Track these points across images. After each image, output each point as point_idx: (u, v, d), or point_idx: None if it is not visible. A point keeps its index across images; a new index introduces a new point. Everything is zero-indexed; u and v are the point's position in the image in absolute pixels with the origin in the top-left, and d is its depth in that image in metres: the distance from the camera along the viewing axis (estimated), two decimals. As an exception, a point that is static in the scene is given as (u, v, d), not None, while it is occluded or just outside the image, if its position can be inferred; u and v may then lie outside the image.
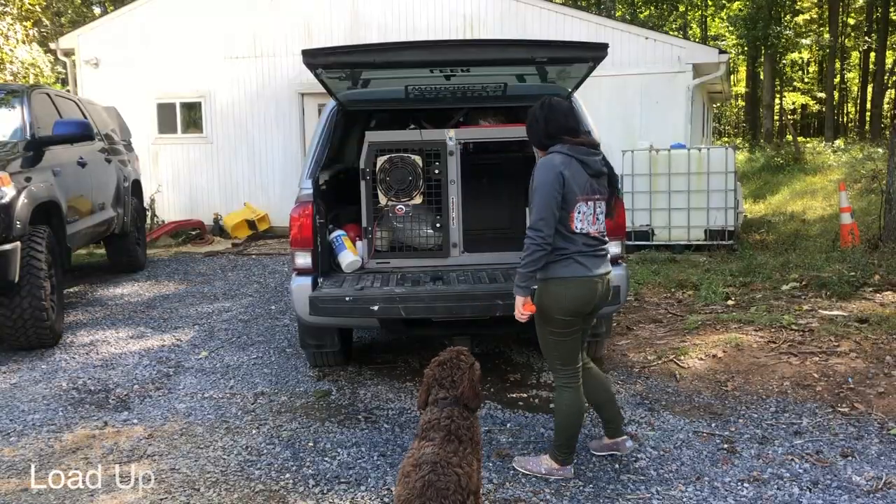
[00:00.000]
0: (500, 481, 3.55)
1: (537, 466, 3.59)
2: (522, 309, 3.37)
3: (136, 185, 9.38)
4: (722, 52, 12.17)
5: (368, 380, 5.03)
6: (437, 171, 4.95)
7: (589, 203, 3.41)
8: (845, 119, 41.75)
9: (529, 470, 3.59)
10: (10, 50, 14.08)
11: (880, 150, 18.01)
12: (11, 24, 14.53)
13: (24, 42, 14.92)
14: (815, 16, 32.04)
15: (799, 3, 29.02)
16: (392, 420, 4.35)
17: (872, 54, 31.97)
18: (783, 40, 26.57)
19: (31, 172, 6.03)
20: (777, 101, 34.43)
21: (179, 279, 8.84)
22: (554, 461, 3.57)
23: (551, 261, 3.35)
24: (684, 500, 3.36)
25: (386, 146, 4.95)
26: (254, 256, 10.56)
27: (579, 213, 3.37)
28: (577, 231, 3.38)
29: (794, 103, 39.80)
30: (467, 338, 4.57)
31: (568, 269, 3.37)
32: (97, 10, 23.63)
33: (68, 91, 13.05)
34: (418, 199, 4.99)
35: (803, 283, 7.11)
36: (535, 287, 3.43)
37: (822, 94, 32.92)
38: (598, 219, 3.47)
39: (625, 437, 3.80)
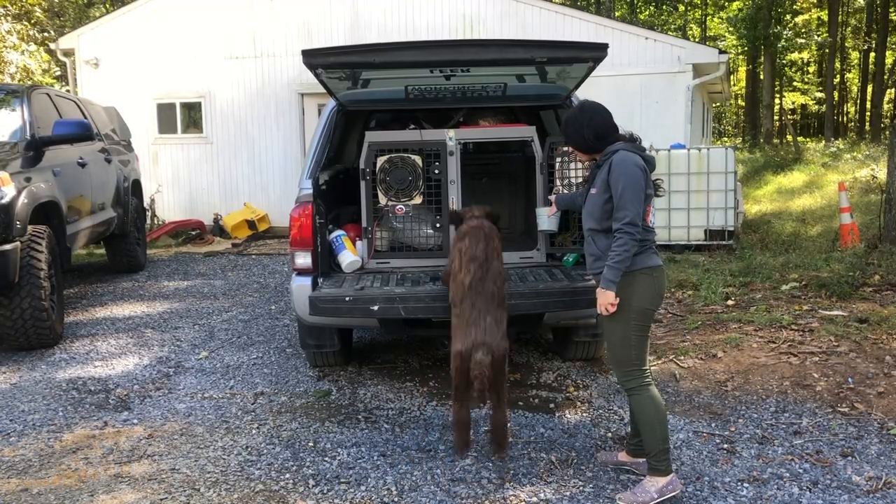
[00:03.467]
0: (500, 482, 3.55)
1: (645, 494, 3.32)
2: (613, 302, 3.30)
3: (136, 185, 9.38)
4: (722, 52, 12.17)
5: (368, 380, 5.04)
6: (436, 172, 4.95)
7: (652, 199, 3.44)
8: (845, 119, 41.77)
9: (642, 502, 3.30)
10: (9, 53, 14.09)
11: (880, 149, 18.03)
12: (10, 31, 14.53)
13: (22, 41, 14.91)
14: (814, 16, 32.05)
15: (798, 4, 29.04)
16: (392, 420, 4.35)
17: (872, 54, 32.00)
18: (783, 41, 26.57)
19: (31, 172, 6.04)
20: (777, 101, 34.45)
21: (179, 279, 8.85)
22: (657, 476, 3.34)
23: (636, 252, 3.32)
24: (684, 500, 3.36)
25: (386, 146, 4.95)
26: (254, 256, 10.56)
27: (653, 207, 3.42)
28: (651, 226, 3.41)
29: (793, 103, 39.83)
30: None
31: (652, 259, 3.38)
32: (97, 12, 23.63)
33: (68, 91, 13.07)
34: (418, 200, 4.99)
35: (803, 283, 7.11)
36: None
37: (822, 95, 32.94)
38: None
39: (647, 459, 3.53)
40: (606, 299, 3.30)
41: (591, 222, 3.46)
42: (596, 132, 3.43)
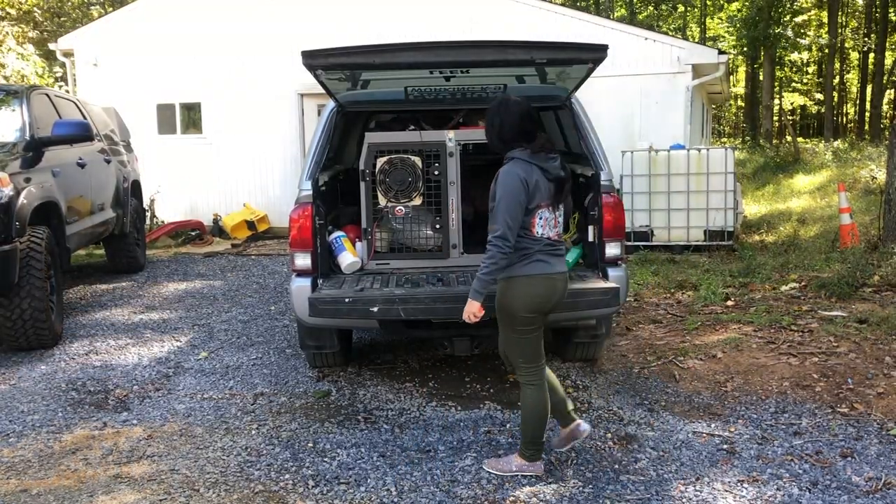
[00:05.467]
0: (500, 482, 3.55)
1: (508, 465, 3.60)
2: (477, 312, 3.43)
3: (136, 185, 9.37)
4: (721, 52, 12.17)
5: (368, 380, 5.04)
6: (436, 173, 4.95)
7: (550, 209, 3.48)
8: (844, 120, 41.78)
9: (500, 470, 3.60)
10: (5, 57, 14.07)
11: (880, 149, 18.02)
12: (6, 34, 14.50)
13: (20, 44, 14.89)
14: (814, 17, 32.08)
15: (798, 4, 29.04)
16: (391, 421, 4.35)
17: (872, 55, 31.99)
18: (783, 41, 26.57)
19: (30, 173, 6.04)
20: (776, 101, 34.45)
21: (179, 280, 8.85)
22: (523, 459, 3.58)
23: (514, 261, 3.41)
24: (684, 500, 3.37)
25: (385, 147, 4.95)
26: (253, 257, 10.56)
27: (541, 219, 3.44)
28: (539, 236, 3.45)
29: (793, 104, 39.84)
30: (467, 339, 4.57)
31: (532, 268, 3.44)
32: (96, 12, 23.63)
33: (67, 91, 13.06)
34: (418, 201, 4.99)
35: (803, 283, 7.12)
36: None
37: (821, 96, 32.95)
38: (558, 222, 3.56)
39: (578, 421, 3.74)
40: (471, 308, 3.43)
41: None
42: (499, 133, 3.48)
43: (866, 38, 32.43)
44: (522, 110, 3.47)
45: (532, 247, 3.43)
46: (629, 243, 9.26)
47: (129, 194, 8.86)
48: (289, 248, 4.68)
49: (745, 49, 29.51)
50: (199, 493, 3.51)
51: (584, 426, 3.73)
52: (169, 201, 12.77)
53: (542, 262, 3.45)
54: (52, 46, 13.90)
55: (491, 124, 3.52)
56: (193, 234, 12.06)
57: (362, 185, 4.97)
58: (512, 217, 3.32)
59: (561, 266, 3.55)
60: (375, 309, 4.21)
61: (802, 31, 30.03)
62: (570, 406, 3.76)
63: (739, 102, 41.05)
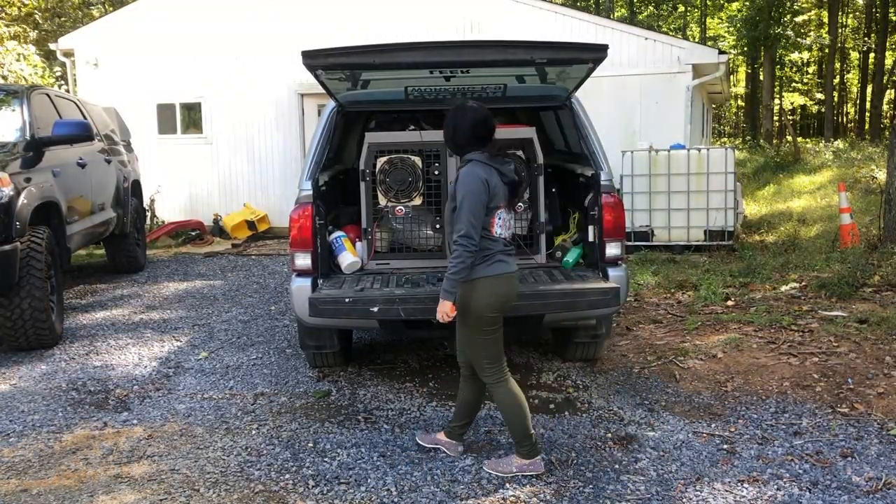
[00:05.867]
0: (500, 482, 3.55)
1: (508, 466, 3.63)
2: (449, 312, 3.46)
3: (136, 185, 9.38)
4: (721, 52, 12.17)
5: (368, 380, 5.04)
6: (436, 173, 4.96)
7: (507, 210, 3.58)
8: (845, 120, 41.78)
9: (501, 471, 3.62)
10: (11, 58, 14.05)
11: (880, 149, 18.03)
12: (5, 35, 14.48)
13: (19, 44, 14.87)
14: (814, 17, 32.08)
15: (798, 4, 29.05)
16: (392, 421, 4.35)
17: (872, 55, 32.01)
18: (783, 41, 26.57)
19: (30, 173, 6.04)
20: (776, 101, 34.44)
21: (179, 280, 8.85)
22: (522, 458, 3.61)
23: (477, 262, 3.47)
24: (684, 500, 3.37)
25: (386, 147, 4.96)
26: (253, 257, 10.56)
27: (499, 219, 3.54)
28: (497, 236, 3.53)
29: (793, 104, 39.84)
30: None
31: (495, 268, 3.51)
32: (96, 12, 23.64)
33: (67, 91, 13.06)
34: (418, 201, 4.99)
35: (803, 283, 7.12)
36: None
37: (822, 96, 32.95)
38: (512, 224, 3.67)
39: (460, 443, 3.87)
40: (443, 308, 3.46)
41: (449, 228, 3.60)
42: (453, 137, 3.58)
43: (866, 38, 32.45)
44: (477, 117, 3.53)
45: (492, 247, 3.52)
46: (629, 243, 9.26)
47: (130, 194, 8.87)
48: (289, 248, 4.68)
49: (745, 49, 29.51)
50: (199, 493, 3.51)
51: (461, 449, 3.85)
52: (169, 201, 12.78)
53: (503, 261, 3.55)
54: (52, 46, 13.89)
55: (446, 128, 3.61)
56: (194, 233, 12.06)
57: (362, 185, 4.97)
58: (475, 216, 3.39)
59: (514, 265, 3.66)
60: (375, 309, 4.21)
61: (803, 31, 29.99)
62: (466, 431, 3.90)
63: (740, 102, 41.06)
